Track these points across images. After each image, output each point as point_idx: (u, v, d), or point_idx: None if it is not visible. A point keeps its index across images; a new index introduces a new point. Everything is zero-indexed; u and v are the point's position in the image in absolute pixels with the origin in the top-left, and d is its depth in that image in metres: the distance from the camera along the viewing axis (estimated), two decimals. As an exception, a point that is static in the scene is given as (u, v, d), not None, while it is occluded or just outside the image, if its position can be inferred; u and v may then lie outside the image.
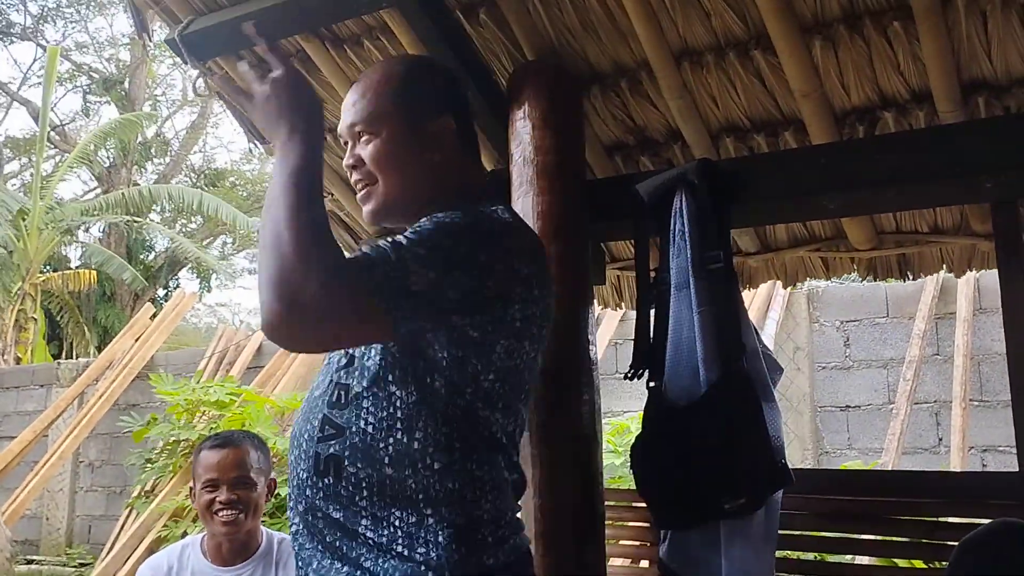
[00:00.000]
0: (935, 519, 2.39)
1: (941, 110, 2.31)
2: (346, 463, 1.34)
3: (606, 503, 2.50)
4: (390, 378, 1.35)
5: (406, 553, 1.31)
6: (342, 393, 1.39)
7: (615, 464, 4.98)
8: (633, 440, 2.31)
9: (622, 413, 5.57)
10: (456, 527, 1.32)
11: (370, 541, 1.33)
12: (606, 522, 2.41)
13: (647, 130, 2.68)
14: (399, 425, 1.33)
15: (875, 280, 2.90)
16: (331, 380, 1.43)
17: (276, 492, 2.64)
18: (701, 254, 2.24)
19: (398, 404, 1.34)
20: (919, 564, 2.61)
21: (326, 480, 1.36)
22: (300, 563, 1.42)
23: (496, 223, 1.43)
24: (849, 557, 3.10)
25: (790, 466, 2.21)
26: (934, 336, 5.74)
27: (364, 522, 1.33)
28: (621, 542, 2.93)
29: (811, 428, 5.94)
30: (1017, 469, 2.26)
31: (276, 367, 8.10)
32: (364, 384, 1.37)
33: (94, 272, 14.76)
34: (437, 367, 1.34)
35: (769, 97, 2.47)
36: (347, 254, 1.27)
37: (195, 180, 20.96)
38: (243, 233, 20.80)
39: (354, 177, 1.54)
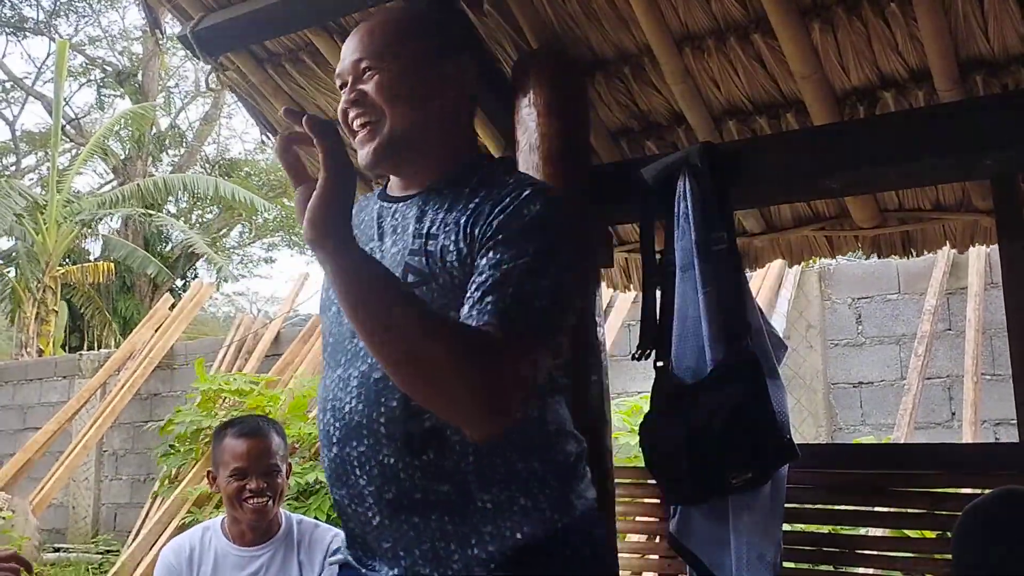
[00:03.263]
0: (941, 490, 2.42)
1: (940, 89, 2.33)
2: (448, 432, 1.27)
3: (618, 480, 2.56)
4: None
5: (529, 504, 1.31)
6: None
7: (631, 444, 5.00)
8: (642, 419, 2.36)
9: (636, 394, 5.61)
10: (559, 465, 1.36)
11: (487, 505, 1.29)
12: (619, 499, 2.46)
13: (651, 115, 2.72)
14: None
15: (879, 257, 2.93)
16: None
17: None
18: (705, 236, 2.28)
19: None
20: (929, 534, 2.65)
21: (424, 457, 1.28)
22: (392, 557, 1.34)
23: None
24: (864, 530, 3.14)
25: (803, 442, 2.25)
26: (946, 311, 5.73)
27: (474, 488, 1.28)
28: (636, 518, 2.99)
29: (824, 405, 5.96)
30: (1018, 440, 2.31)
31: (294, 355, 8.19)
32: None
33: (111, 264, 14.89)
34: None
35: (770, 80, 2.50)
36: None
37: (210, 170, 21.05)
38: (259, 222, 20.96)
39: (353, 115, 1.38)
